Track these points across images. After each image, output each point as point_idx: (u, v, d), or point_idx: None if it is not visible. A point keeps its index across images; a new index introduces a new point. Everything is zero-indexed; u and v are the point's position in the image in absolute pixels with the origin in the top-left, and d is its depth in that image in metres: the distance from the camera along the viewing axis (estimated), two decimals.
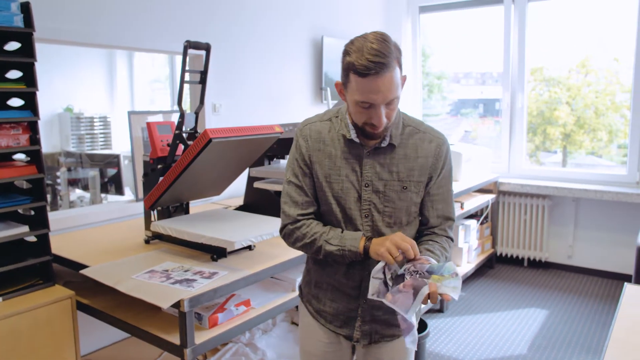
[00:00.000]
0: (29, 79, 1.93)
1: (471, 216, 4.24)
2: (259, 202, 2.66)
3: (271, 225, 2.18)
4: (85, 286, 2.20)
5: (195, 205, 3.04)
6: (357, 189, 1.40)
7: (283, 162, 2.81)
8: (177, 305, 1.70)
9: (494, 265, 4.57)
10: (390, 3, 4.95)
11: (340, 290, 1.48)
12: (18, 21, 1.85)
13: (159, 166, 2.28)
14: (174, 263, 2.03)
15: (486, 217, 4.48)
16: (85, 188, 4.14)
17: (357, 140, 1.39)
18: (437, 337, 3.25)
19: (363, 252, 1.33)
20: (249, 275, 1.95)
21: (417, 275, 1.25)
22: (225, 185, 2.50)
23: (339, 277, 1.47)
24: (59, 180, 4.19)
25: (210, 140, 1.92)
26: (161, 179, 2.19)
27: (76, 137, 4.91)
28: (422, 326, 2.68)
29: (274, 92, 3.76)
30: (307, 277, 1.59)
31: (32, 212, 2.04)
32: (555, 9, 4.39)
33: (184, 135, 2.24)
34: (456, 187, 3.82)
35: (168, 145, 2.28)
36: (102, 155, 4.31)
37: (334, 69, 4.19)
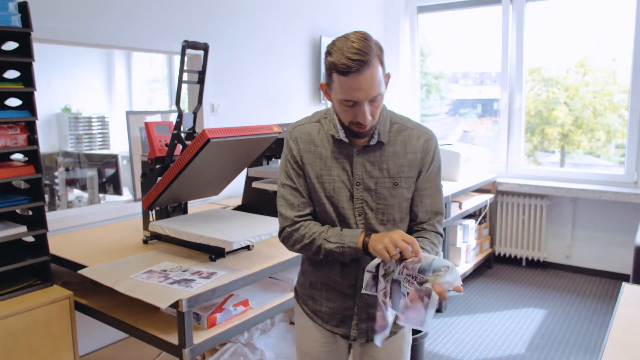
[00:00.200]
0: (27, 78, 1.93)
1: (469, 216, 4.25)
2: (258, 202, 2.66)
3: (269, 225, 2.18)
4: (83, 286, 2.19)
5: (194, 205, 3.04)
6: (348, 188, 1.41)
7: None
8: (176, 305, 1.70)
9: (492, 265, 4.58)
10: (388, 3, 4.95)
11: (336, 290, 1.49)
12: (16, 21, 1.85)
13: (157, 166, 2.27)
14: (172, 263, 2.03)
15: (484, 217, 4.48)
16: (83, 188, 4.13)
17: (346, 140, 1.41)
18: (436, 337, 3.25)
19: (362, 247, 1.34)
20: (247, 275, 1.95)
21: (413, 279, 1.25)
22: (224, 185, 2.50)
23: (335, 276, 1.48)
24: (57, 180, 4.18)
25: (208, 140, 1.92)
26: (159, 179, 2.19)
27: (74, 137, 4.90)
28: None
29: (273, 92, 3.76)
30: (302, 278, 1.59)
31: (30, 212, 2.03)
32: (553, 9, 4.40)
33: (182, 135, 2.23)
34: (454, 187, 3.83)
35: (166, 145, 2.28)
36: (100, 155, 4.30)
37: None
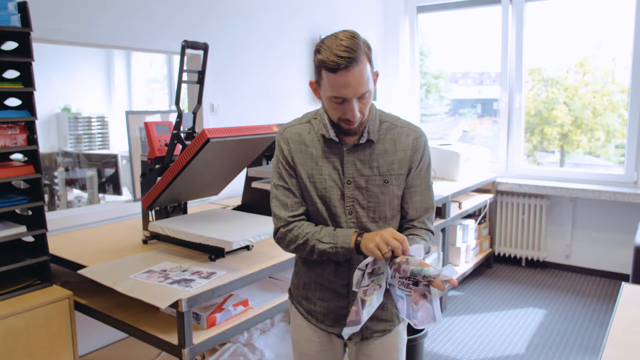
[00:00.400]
0: (27, 78, 1.93)
1: (469, 216, 4.25)
2: (257, 202, 2.66)
3: (269, 225, 2.18)
4: (83, 286, 2.19)
5: (193, 205, 3.04)
6: (339, 186, 1.43)
7: None
8: (175, 305, 1.70)
9: (491, 264, 4.58)
10: (388, 3, 4.95)
11: (330, 289, 1.50)
12: (15, 21, 1.85)
13: (157, 166, 2.27)
14: (172, 263, 2.03)
15: (484, 217, 4.49)
16: (83, 188, 4.13)
17: (336, 139, 1.42)
18: (435, 336, 3.25)
19: (355, 247, 1.35)
20: (247, 275, 1.95)
21: (408, 280, 1.26)
22: (223, 185, 2.50)
23: (328, 276, 1.49)
24: (56, 180, 4.17)
25: (208, 140, 1.92)
26: (159, 179, 2.19)
27: (74, 137, 4.90)
28: None
29: (272, 92, 3.76)
30: (296, 279, 1.60)
31: (30, 212, 2.03)
32: (553, 9, 4.40)
33: (182, 135, 2.24)
34: (454, 187, 3.83)
35: (166, 145, 2.28)
36: (99, 155, 4.29)
37: None
